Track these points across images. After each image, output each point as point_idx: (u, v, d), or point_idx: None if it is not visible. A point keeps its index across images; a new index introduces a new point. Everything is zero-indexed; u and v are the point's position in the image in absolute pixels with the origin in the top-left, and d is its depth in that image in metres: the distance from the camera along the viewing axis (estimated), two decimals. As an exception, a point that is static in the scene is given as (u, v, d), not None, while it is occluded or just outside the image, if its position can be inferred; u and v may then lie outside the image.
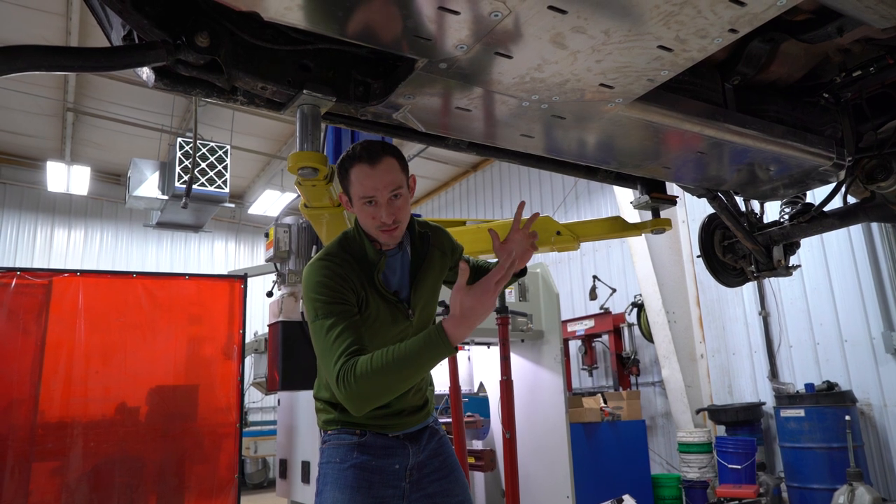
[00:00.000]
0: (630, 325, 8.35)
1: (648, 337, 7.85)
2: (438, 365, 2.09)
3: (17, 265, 10.61)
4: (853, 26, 2.05)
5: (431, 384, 2.12)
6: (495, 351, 4.43)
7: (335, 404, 1.93)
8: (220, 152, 8.00)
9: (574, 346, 9.07)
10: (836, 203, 3.13)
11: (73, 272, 5.23)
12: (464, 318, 1.56)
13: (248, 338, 8.99)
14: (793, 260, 3.53)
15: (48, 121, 9.84)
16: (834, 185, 2.95)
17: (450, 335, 1.55)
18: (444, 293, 2.20)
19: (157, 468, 5.25)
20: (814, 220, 3.23)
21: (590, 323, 8.55)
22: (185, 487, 5.32)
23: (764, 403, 6.65)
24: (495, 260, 3.02)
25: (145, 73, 1.76)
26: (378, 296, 1.84)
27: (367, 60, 1.92)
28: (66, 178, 9.88)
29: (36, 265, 10.95)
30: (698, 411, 7.06)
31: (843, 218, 3.19)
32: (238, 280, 5.80)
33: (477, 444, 5.61)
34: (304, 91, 1.79)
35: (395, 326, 1.89)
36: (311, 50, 1.80)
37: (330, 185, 2.05)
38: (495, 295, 1.58)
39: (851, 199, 3.24)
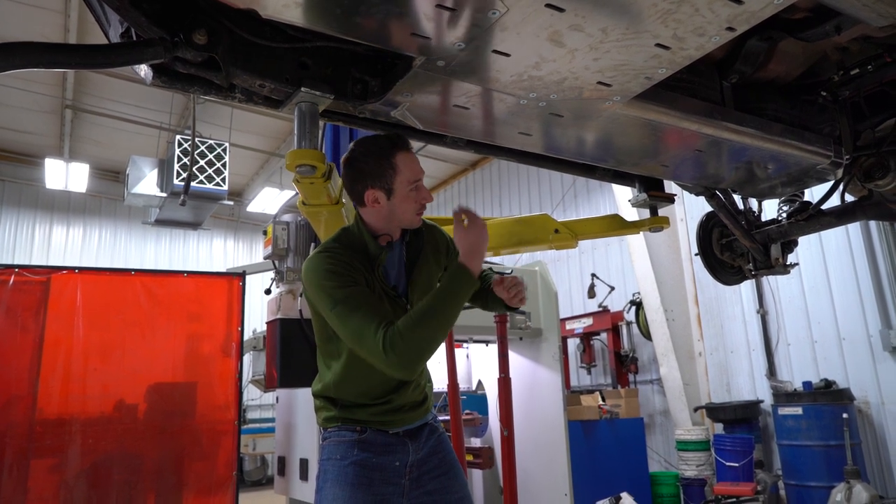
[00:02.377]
0: (628, 324, 8.36)
1: (647, 335, 7.86)
2: (436, 362, 2.11)
3: (16, 262, 10.61)
4: (851, 24, 2.05)
5: (430, 381, 2.12)
6: (493, 349, 4.44)
7: (335, 401, 1.94)
8: (219, 150, 8.00)
9: (572, 343, 9.07)
10: (834, 201, 3.13)
11: (71, 269, 5.23)
12: (473, 251, 1.77)
13: (247, 335, 8.99)
14: (791, 258, 3.54)
15: (47, 118, 9.83)
16: (832, 183, 2.95)
17: (470, 268, 1.74)
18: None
19: (156, 465, 5.24)
20: (811, 219, 3.24)
21: (588, 321, 8.56)
22: (183, 485, 5.32)
23: (762, 401, 6.66)
24: (495, 258, 3.00)
25: (143, 70, 1.76)
26: (378, 290, 1.87)
27: (365, 58, 1.91)
28: (65, 175, 9.88)
29: (34, 262, 10.95)
30: (696, 409, 7.07)
31: (841, 216, 3.19)
32: (236, 277, 5.80)
33: (475, 442, 5.62)
34: (302, 89, 1.79)
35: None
36: (309, 48, 1.80)
37: (328, 182, 2.05)
38: (484, 227, 1.82)
39: (849, 198, 3.24)
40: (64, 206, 11.75)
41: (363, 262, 1.85)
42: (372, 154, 1.85)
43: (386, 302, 1.87)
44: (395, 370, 1.65)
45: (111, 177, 11.94)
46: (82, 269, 5.31)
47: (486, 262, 2.31)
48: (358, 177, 1.86)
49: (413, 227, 1.96)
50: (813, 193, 3.46)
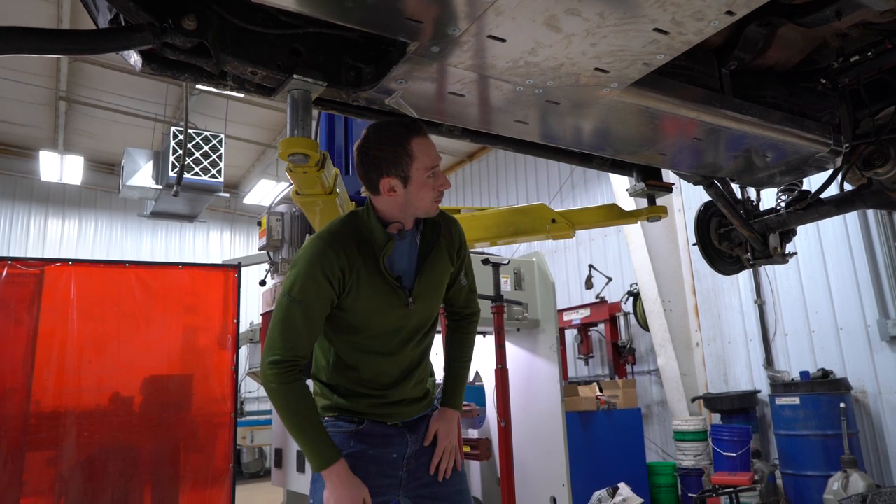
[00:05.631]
0: (626, 314, 8.35)
1: (644, 326, 7.85)
2: (434, 354, 2.08)
3: (11, 255, 10.56)
4: (852, 10, 2.02)
5: (432, 374, 2.08)
6: (491, 340, 4.42)
7: (335, 388, 1.91)
8: (215, 141, 7.95)
9: (570, 334, 9.07)
10: (833, 190, 3.12)
11: (64, 261, 5.19)
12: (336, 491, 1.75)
13: (244, 327, 8.96)
14: (789, 248, 3.52)
15: (41, 110, 9.77)
16: (831, 171, 2.93)
17: (325, 475, 1.75)
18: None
19: (152, 458, 5.23)
20: (810, 208, 3.22)
21: (586, 312, 8.54)
22: (179, 477, 5.31)
23: (759, 391, 6.67)
24: (492, 248, 2.96)
25: (133, 57, 1.73)
26: (376, 279, 1.80)
27: (358, 45, 1.88)
28: (60, 167, 9.83)
29: (30, 255, 10.90)
30: (694, 399, 7.07)
31: (840, 205, 3.18)
32: (232, 269, 5.77)
33: (473, 433, 5.61)
34: (295, 76, 1.76)
35: (391, 311, 1.85)
36: (301, 34, 1.77)
37: (321, 171, 2.02)
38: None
39: (848, 186, 3.22)
40: (59, 199, 11.70)
41: (362, 252, 1.79)
42: (387, 141, 1.76)
43: (381, 292, 1.82)
44: (261, 378, 1.79)
45: (106, 169, 11.88)
46: (76, 262, 5.28)
47: (483, 253, 2.30)
48: (373, 165, 1.77)
49: (430, 216, 1.88)
50: (811, 182, 3.44)
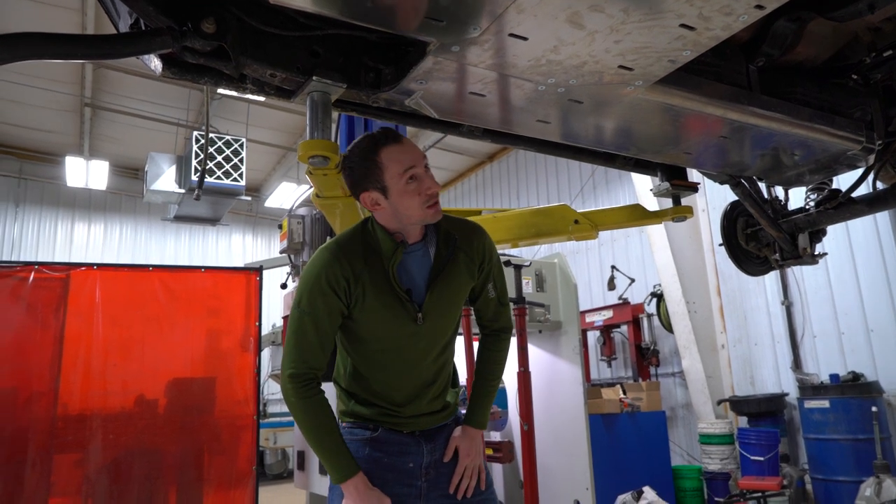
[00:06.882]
0: (649, 316, 8.26)
1: (668, 327, 7.75)
2: (456, 357, 2.04)
3: (39, 259, 10.74)
4: (885, 3, 1.95)
5: (456, 386, 2.02)
6: (513, 342, 4.39)
7: (352, 394, 1.90)
8: (236, 145, 8.01)
9: (593, 336, 8.99)
10: (864, 188, 3.03)
11: (89, 266, 5.25)
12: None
13: (266, 330, 9.02)
14: (818, 248, 3.44)
15: (66, 116, 9.93)
16: (862, 170, 2.85)
17: (344, 487, 1.76)
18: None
19: (176, 460, 5.27)
20: (841, 207, 3.13)
21: (608, 313, 8.47)
22: (203, 479, 5.33)
23: (787, 394, 6.54)
24: (513, 250, 2.94)
25: (153, 61, 1.73)
26: (384, 292, 1.76)
27: (377, 45, 1.87)
28: (85, 172, 9.98)
29: (57, 259, 11.08)
30: (719, 402, 6.96)
31: (872, 204, 3.09)
32: (254, 272, 5.79)
33: (495, 436, 5.57)
34: (314, 78, 1.75)
35: (399, 327, 1.80)
36: (320, 36, 1.76)
37: (341, 173, 2.00)
38: None
39: (880, 185, 3.13)
40: (85, 204, 11.88)
41: (369, 263, 1.76)
42: (359, 156, 1.76)
43: (389, 305, 1.77)
44: (282, 387, 1.81)
45: (131, 174, 12.04)
46: (101, 266, 5.33)
47: (504, 255, 2.25)
48: (353, 181, 1.79)
49: (429, 222, 1.81)
50: (840, 181, 3.35)
